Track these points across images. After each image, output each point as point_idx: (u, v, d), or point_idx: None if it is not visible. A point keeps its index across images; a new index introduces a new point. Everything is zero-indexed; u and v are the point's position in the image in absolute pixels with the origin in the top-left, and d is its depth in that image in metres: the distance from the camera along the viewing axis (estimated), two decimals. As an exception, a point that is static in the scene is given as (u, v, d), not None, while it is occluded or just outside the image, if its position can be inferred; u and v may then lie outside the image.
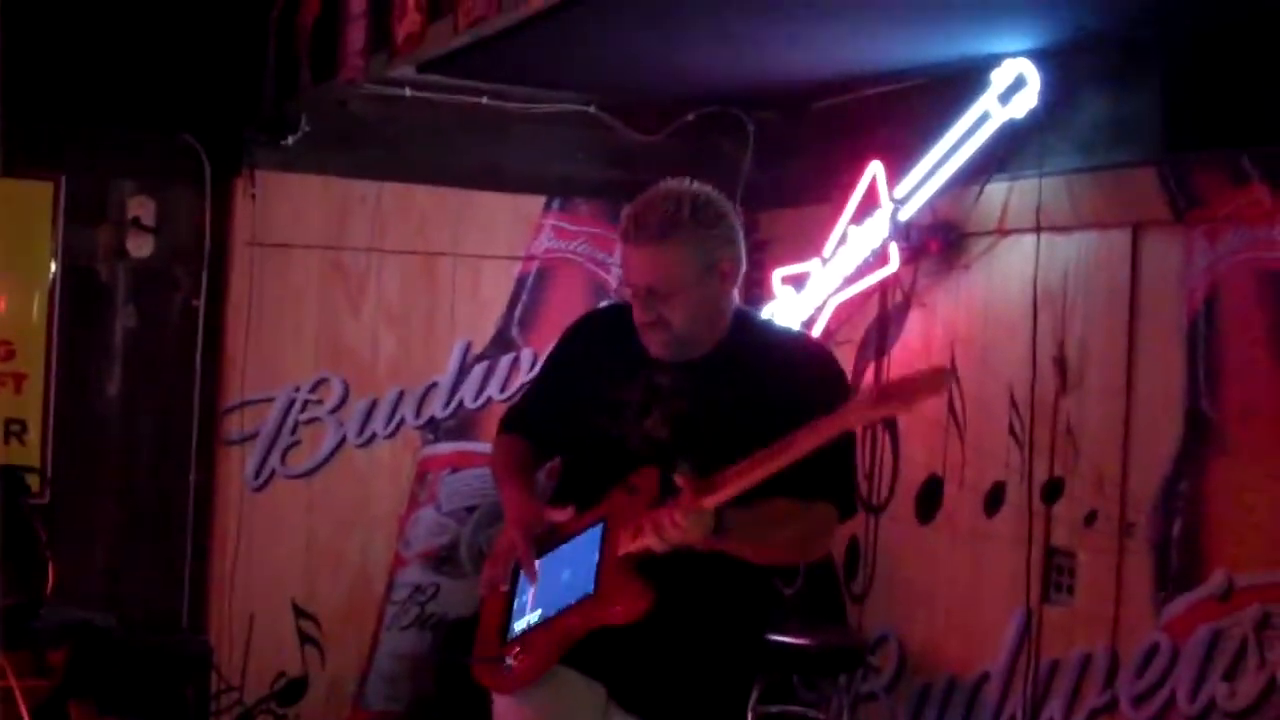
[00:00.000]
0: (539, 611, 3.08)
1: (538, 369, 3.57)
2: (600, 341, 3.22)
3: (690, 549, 2.84)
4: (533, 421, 3.34)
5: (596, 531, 3.03)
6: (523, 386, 5.53)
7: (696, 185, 3.06)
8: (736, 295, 3.13)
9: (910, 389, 2.69)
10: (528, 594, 3.12)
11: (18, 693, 4.23)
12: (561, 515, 3.09)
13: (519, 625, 3.12)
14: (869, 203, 4.96)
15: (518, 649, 3.09)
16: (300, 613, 5.48)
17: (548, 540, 3.12)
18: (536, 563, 3.09)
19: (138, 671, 4.56)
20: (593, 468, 3.10)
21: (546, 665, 3.06)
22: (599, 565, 2.99)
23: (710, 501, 2.78)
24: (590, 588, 2.99)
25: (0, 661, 4.24)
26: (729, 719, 3.24)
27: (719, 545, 2.85)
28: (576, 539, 3.07)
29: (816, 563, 5.37)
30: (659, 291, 3.01)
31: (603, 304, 3.69)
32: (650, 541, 2.85)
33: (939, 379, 2.73)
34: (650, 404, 3.07)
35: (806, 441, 2.74)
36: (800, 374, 3.00)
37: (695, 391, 3.05)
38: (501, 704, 3.17)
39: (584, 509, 3.09)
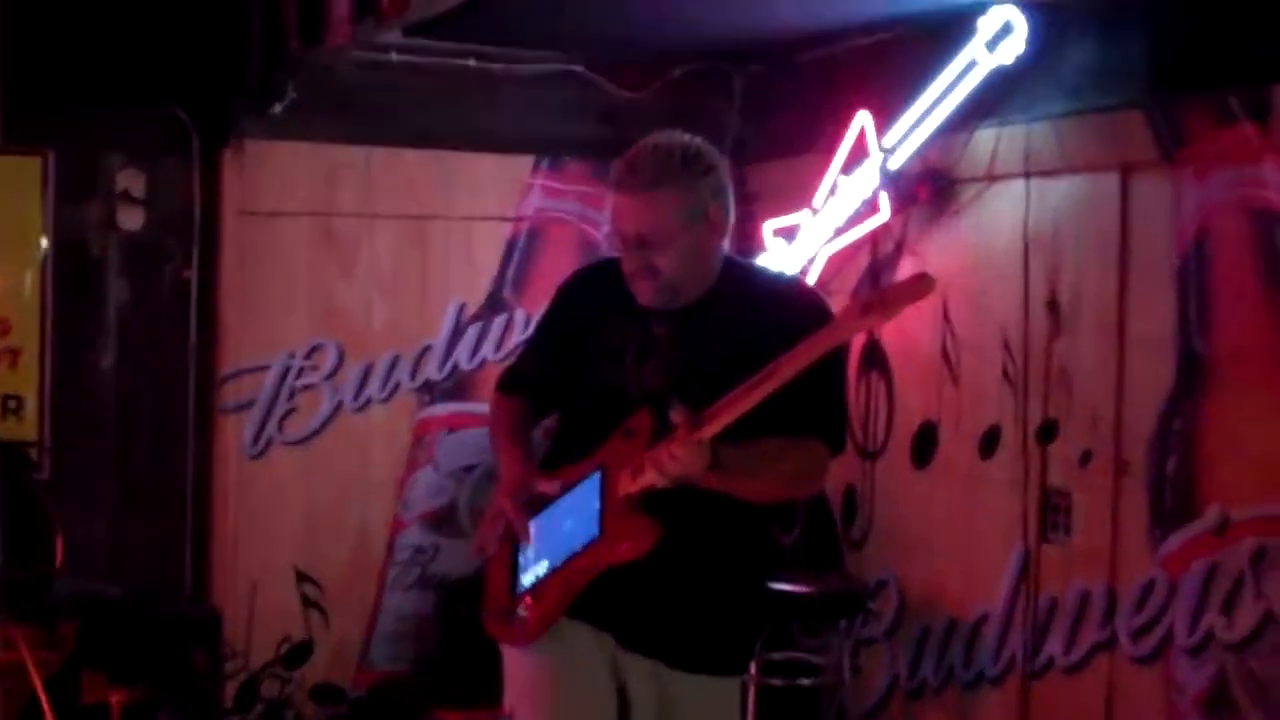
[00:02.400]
0: (545, 563, 3.13)
1: (532, 328, 3.61)
2: (594, 295, 3.27)
3: (690, 484, 2.90)
4: (529, 380, 3.39)
5: (595, 479, 3.08)
6: (518, 346, 5.56)
7: (687, 137, 3.12)
8: (726, 245, 3.19)
9: (893, 296, 2.75)
10: (530, 550, 3.18)
11: (31, 665, 4.25)
12: (549, 485, 3.15)
13: (527, 579, 3.17)
14: (858, 153, 4.99)
15: (529, 600, 3.15)
16: (303, 577, 5.52)
17: (540, 501, 3.17)
18: (532, 522, 3.15)
19: (148, 640, 4.59)
20: (591, 419, 3.15)
21: (558, 613, 3.12)
22: (602, 509, 3.04)
23: (707, 432, 2.84)
24: (596, 531, 3.04)
25: (13, 635, 4.26)
26: (736, 662, 3.33)
27: (716, 481, 2.91)
28: (574, 490, 3.12)
29: (814, 511, 5.44)
30: (649, 240, 3.06)
31: (588, 262, 3.77)
32: (651, 479, 2.92)
33: (921, 285, 2.75)
34: (647, 353, 3.13)
35: (796, 362, 2.80)
36: (789, 314, 3.04)
37: (689, 339, 3.11)
38: (513, 656, 3.23)
39: (580, 460, 3.15)
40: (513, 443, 3.30)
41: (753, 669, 4.80)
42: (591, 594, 3.10)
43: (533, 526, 3.17)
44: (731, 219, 3.16)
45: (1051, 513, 4.59)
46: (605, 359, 3.16)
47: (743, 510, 3.08)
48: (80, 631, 4.46)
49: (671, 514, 3.00)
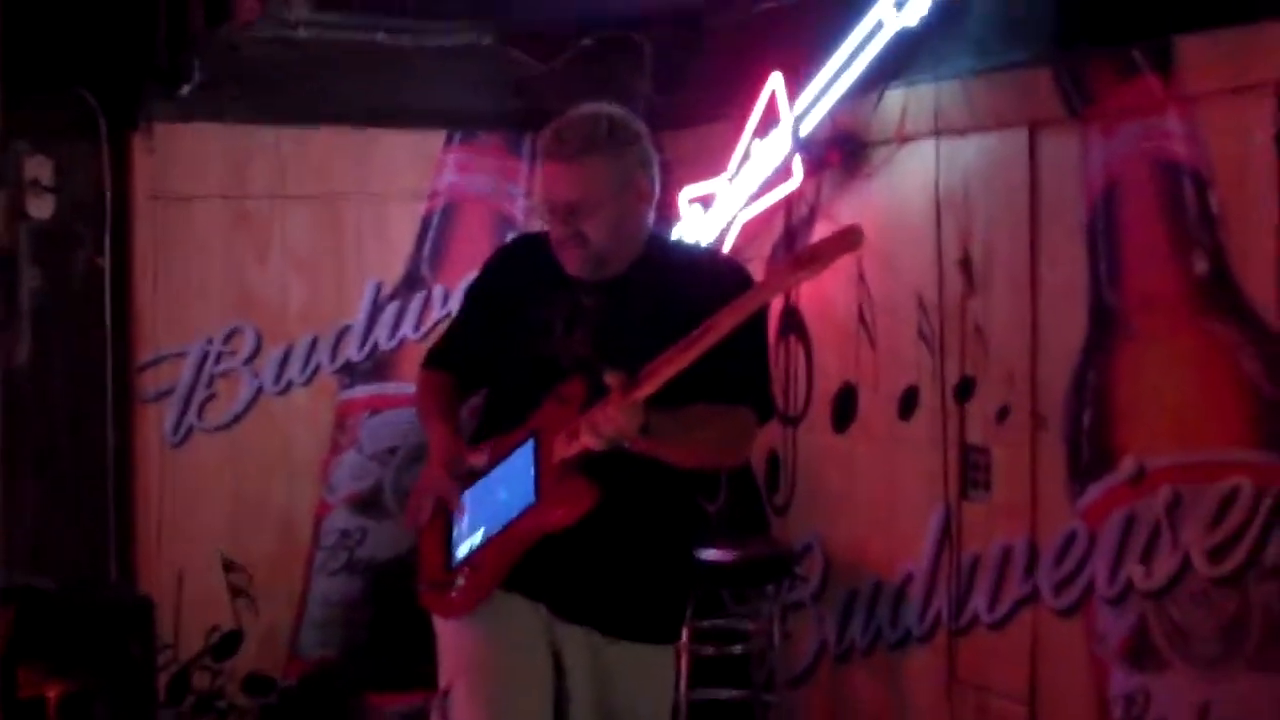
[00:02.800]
0: (481, 532, 3.14)
1: (458, 304, 3.62)
2: (520, 269, 3.31)
3: (624, 447, 2.93)
4: (456, 355, 3.41)
5: (528, 447, 3.09)
6: (438, 323, 5.54)
7: (614, 107, 3.20)
8: (652, 217, 3.22)
9: (823, 250, 2.81)
10: (464, 521, 3.18)
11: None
12: (479, 458, 3.16)
13: (462, 551, 3.17)
14: (770, 118, 5.00)
15: (466, 570, 3.15)
16: (229, 565, 5.48)
17: (472, 475, 3.17)
18: (466, 494, 3.16)
19: (82, 631, 4.54)
20: (522, 391, 3.17)
21: (494, 582, 3.13)
22: (537, 475, 3.06)
23: (641, 392, 2.88)
24: (532, 497, 3.06)
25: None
26: (668, 629, 3.35)
27: (648, 445, 2.95)
28: (508, 459, 3.13)
29: (739, 478, 5.46)
30: (578, 207, 3.11)
31: (515, 235, 3.79)
32: (586, 442, 2.95)
33: (850, 237, 2.82)
34: (574, 324, 3.16)
35: (727, 321, 2.86)
36: (713, 283, 3.09)
37: (617, 309, 3.15)
38: (448, 630, 3.24)
39: (512, 430, 3.15)
40: (441, 417, 3.32)
41: (685, 637, 4.81)
42: (524, 565, 3.12)
43: (466, 497, 3.17)
44: (657, 190, 3.23)
45: (971, 470, 4.62)
46: (534, 331, 3.19)
47: (670, 478, 3.12)
48: (15, 624, 4.40)
49: (600, 482, 3.03)
